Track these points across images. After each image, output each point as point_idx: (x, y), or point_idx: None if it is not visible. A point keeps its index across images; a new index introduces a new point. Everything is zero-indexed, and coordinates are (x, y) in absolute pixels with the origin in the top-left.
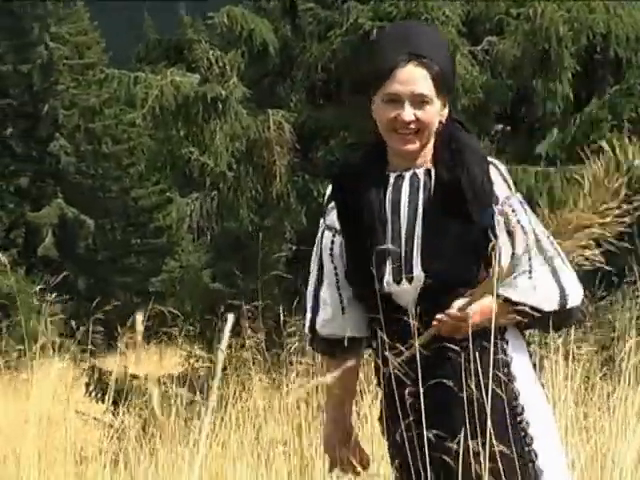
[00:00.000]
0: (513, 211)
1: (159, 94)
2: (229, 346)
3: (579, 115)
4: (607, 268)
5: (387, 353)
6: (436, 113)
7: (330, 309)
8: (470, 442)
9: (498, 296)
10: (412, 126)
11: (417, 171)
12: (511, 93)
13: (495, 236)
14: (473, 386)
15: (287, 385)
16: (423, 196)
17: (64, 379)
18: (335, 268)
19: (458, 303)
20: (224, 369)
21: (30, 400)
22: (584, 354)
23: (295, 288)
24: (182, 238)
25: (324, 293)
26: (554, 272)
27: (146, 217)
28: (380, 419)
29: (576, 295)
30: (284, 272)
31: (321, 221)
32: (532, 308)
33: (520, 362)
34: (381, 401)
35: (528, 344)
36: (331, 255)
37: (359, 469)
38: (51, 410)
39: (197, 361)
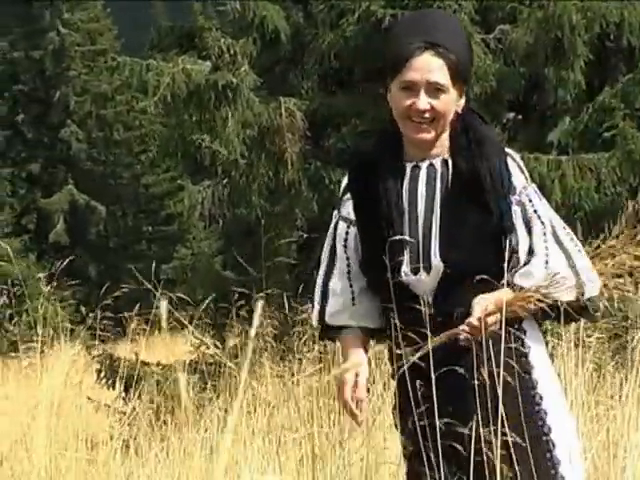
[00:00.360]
0: (530, 201)
1: (171, 82)
2: (239, 334)
3: (591, 103)
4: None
5: (400, 345)
6: (452, 102)
7: (340, 299)
8: (489, 430)
9: (515, 286)
10: (427, 115)
11: (434, 161)
12: (523, 81)
13: (513, 226)
14: (487, 375)
15: (297, 373)
16: (440, 186)
17: (75, 365)
18: (348, 259)
19: (477, 312)
20: (235, 357)
21: (41, 386)
22: (595, 342)
23: (306, 275)
24: (193, 225)
25: (334, 284)
26: (571, 262)
27: (157, 204)
28: (394, 409)
29: (594, 285)
30: (295, 259)
31: (335, 212)
32: (549, 298)
33: (538, 352)
34: (394, 394)
35: (544, 334)
36: (345, 246)
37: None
38: (62, 396)
39: (208, 348)
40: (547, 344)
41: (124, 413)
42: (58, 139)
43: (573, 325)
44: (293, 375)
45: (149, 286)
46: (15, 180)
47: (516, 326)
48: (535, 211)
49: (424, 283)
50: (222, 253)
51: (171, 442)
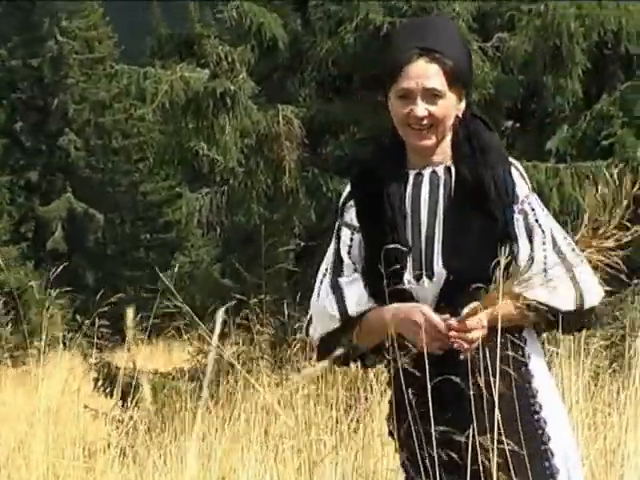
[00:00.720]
0: (532, 210)
1: (169, 89)
2: (237, 342)
3: (589, 111)
4: (619, 266)
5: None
6: (451, 107)
7: (355, 286)
8: (487, 438)
9: (514, 295)
10: (425, 121)
11: (436, 169)
12: (521, 89)
13: (515, 234)
14: (486, 383)
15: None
16: (443, 193)
17: (73, 372)
18: (354, 264)
19: (464, 313)
20: (232, 365)
21: (39, 393)
22: (593, 350)
23: (304, 282)
24: (192, 233)
25: (345, 280)
26: (571, 271)
27: (155, 212)
28: (390, 417)
29: (594, 295)
30: (293, 267)
31: (338, 220)
32: (549, 307)
33: (537, 361)
34: (390, 402)
35: (542, 344)
36: (349, 253)
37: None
38: (60, 403)
39: (205, 356)
40: (545, 353)
41: (121, 421)
42: (56, 147)
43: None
44: (290, 382)
45: (147, 295)
46: (13, 188)
47: (516, 335)
48: (537, 220)
49: (427, 290)
50: (220, 260)
51: (169, 450)
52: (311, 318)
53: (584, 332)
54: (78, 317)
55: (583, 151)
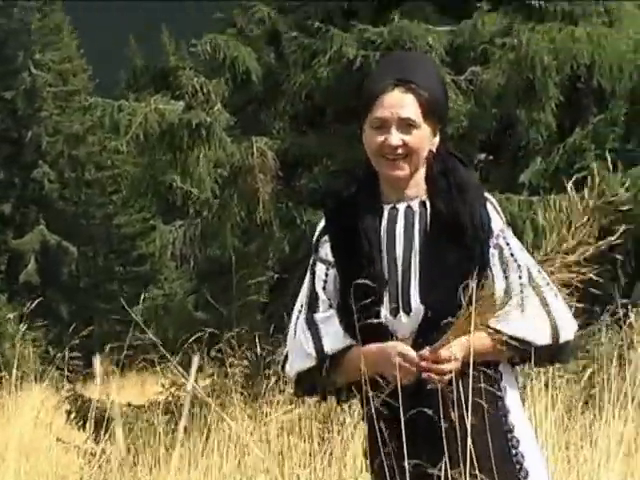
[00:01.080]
0: (507, 244)
1: (143, 121)
2: (210, 375)
3: (563, 144)
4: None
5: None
6: (425, 138)
7: (331, 324)
8: (461, 471)
9: (491, 330)
10: (400, 151)
11: (411, 203)
12: (495, 122)
13: (490, 269)
14: (460, 417)
15: (269, 414)
16: (419, 228)
17: (46, 405)
18: (329, 299)
19: (437, 344)
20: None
21: (11, 426)
22: (565, 383)
23: (277, 315)
24: (165, 266)
25: (320, 316)
26: (546, 306)
27: (129, 244)
28: (365, 454)
29: (569, 329)
30: (266, 299)
31: (313, 255)
32: (525, 342)
33: (513, 395)
34: (365, 436)
35: (516, 378)
36: (324, 288)
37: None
38: (32, 437)
39: (178, 389)
40: (518, 386)
41: (94, 454)
42: (30, 179)
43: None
44: (265, 416)
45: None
46: None
47: (492, 368)
48: (512, 254)
49: (404, 325)
50: (194, 293)
51: None
52: (287, 354)
53: (556, 365)
54: (51, 350)
55: (556, 184)
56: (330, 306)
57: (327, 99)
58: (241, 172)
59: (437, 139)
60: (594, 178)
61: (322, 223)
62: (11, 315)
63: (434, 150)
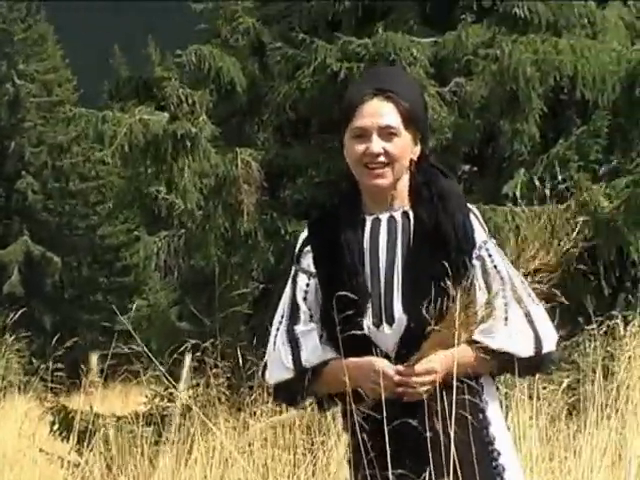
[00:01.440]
0: (490, 256)
1: (128, 132)
2: (194, 385)
3: (546, 155)
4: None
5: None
6: (406, 146)
7: (310, 338)
8: None
9: (475, 343)
10: (381, 159)
11: (394, 214)
12: (478, 133)
13: (473, 281)
14: (449, 429)
15: (251, 425)
16: (402, 238)
17: (29, 416)
18: (310, 310)
19: (413, 358)
20: (189, 409)
21: None
22: (549, 393)
23: (261, 326)
24: (149, 276)
25: (301, 328)
26: (529, 317)
27: (113, 255)
28: (348, 462)
29: (551, 340)
30: (250, 310)
31: (294, 266)
32: (507, 354)
33: (494, 407)
34: (348, 446)
35: (497, 389)
36: (305, 299)
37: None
38: (15, 448)
39: (162, 400)
40: (500, 401)
41: (77, 465)
42: (13, 190)
43: (528, 378)
44: (247, 428)
45: (104, 339)
46: None
47: (474, 381)
48: (495, 266)
49: (387, 337)
50: (178, 304)
51: None
52: (266, 364)
53: (539, 376)
54: (34, 361)
55: (540, 195)
56: (311, 317)
57: (311, 110)
58: (225, 183)
59: (418, 148)
60: (578, 189)
61: (304, 234)
62: None
63: (415, 159)
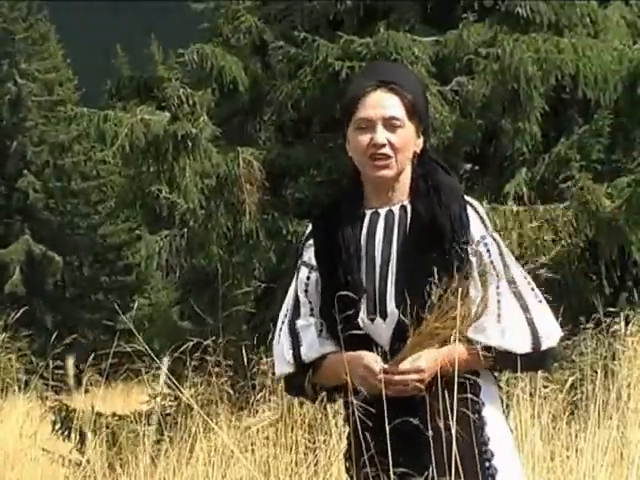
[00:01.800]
0: (487, 251)
1: (129, 132)
2: (195, 384)
3: (548, 155)
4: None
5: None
6: (410, 138)
7: (309, 332)
8: None
9: (468, 340)
10: (385, 150)
11: (393, 208)
12: (480, 132)
13: (468, 276)
14: (442, 427)
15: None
16: (398, 232)
17: (30, 415)
18: (310, 303)
19: (398, 356)
20: (190, 408)
21: None
22: (550, 392)
23: (263, 325)
24: (151, 276)
25: (302, 323)
26: (528, 313)
27: (115, 254)
28: (347, 456)
29: (551, 336)
30: (252, 309)
31: (298, 259)
32: (502, 351)
33: (492, 408)
34: (348, 436)
35: (500, 388)
36: (306, 291)
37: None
38: (17, 447)
39: (164, 399)
40: (502, 401)
41: (79, 464)
42: (15, 189)
43: (528, 375)
44: (249, 426)
45: (105, 338)
46: None
47: (471, 381)
48: (492, 262)
49: (382, 330)
50: (180, 303)
51: None
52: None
53: (541, 374)
54: (34, 359)
55: (542, 194)
56: (312, 310)
57: (313, 109)
58: (227, 183)
59: (421, 140)
60: (579, 188)
61: (309, 228)
62: None
63: (418, 152)
